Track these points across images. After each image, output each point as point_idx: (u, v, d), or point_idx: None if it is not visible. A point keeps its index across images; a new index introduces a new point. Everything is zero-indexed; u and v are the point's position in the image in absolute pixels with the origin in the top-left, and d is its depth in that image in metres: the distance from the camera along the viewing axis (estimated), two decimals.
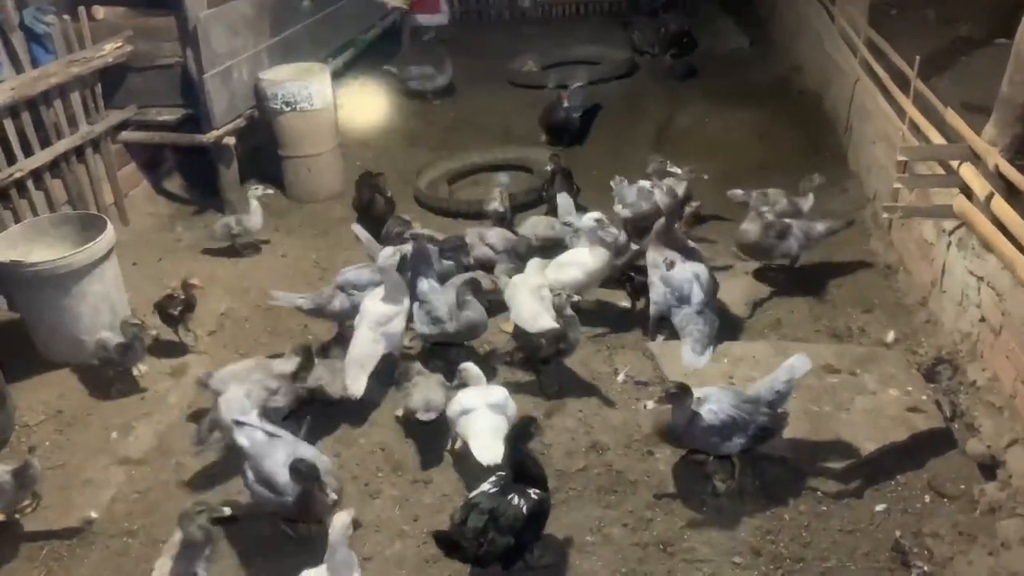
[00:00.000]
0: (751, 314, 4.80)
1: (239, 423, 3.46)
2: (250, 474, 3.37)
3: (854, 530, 3.41)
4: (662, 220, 4.59)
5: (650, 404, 3.50)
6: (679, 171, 5.62)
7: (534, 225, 5.36)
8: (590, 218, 4.65)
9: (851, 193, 6.03)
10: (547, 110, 7.42)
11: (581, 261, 4.66)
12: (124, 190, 6.22)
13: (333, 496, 3.28)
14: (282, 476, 3.27)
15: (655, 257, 4.52)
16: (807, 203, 5.32)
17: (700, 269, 4.39)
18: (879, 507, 3.49)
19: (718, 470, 3.66)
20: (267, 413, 3.72)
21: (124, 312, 4.84)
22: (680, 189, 5.50)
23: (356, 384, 4.05)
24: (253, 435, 3.42)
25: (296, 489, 3.24)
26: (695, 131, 7.53)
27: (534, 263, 4.77)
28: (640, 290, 4.74)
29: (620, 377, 4.32)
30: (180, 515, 3.06)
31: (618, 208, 5.51)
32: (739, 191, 5.33)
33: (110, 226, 4.67)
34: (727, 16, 10.41)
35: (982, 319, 3.88)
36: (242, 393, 3.71)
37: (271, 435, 3.43)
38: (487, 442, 3.50)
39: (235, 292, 5.38)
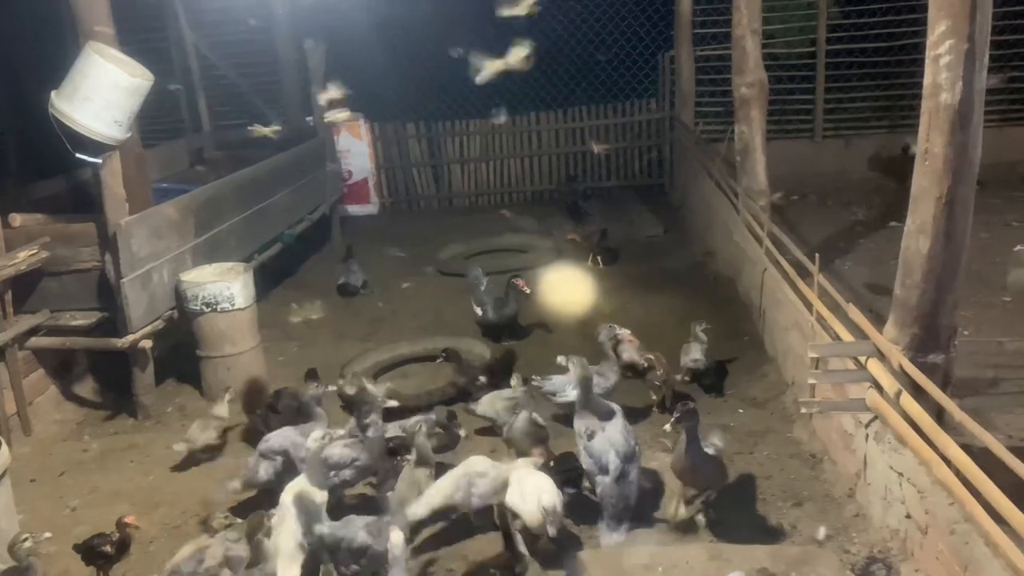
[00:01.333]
0: (681, 512, 4.68)
1: None
2: None
3: None
4: (580, 392, 4.67)
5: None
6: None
7: (491, 403, 5.32)
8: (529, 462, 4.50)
9: (771, 378, 6.15)
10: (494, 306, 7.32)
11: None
12: (29, 397, 5.93)
13: None
14: None
15: (579, 426, 4.56)
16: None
17: (617, 436, 4.40)
18: None
19: None
20: None
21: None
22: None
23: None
24: None
25: None
26: (619, 316, 7.66)
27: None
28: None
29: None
30: None
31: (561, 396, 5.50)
32: None
33: (5, 448, 4.38)
34: (642, 204, 11.05)
35: (908, 515, 3.86)
36: None
37: None
38: None
39: (143, 508, 5.01)
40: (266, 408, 5.62)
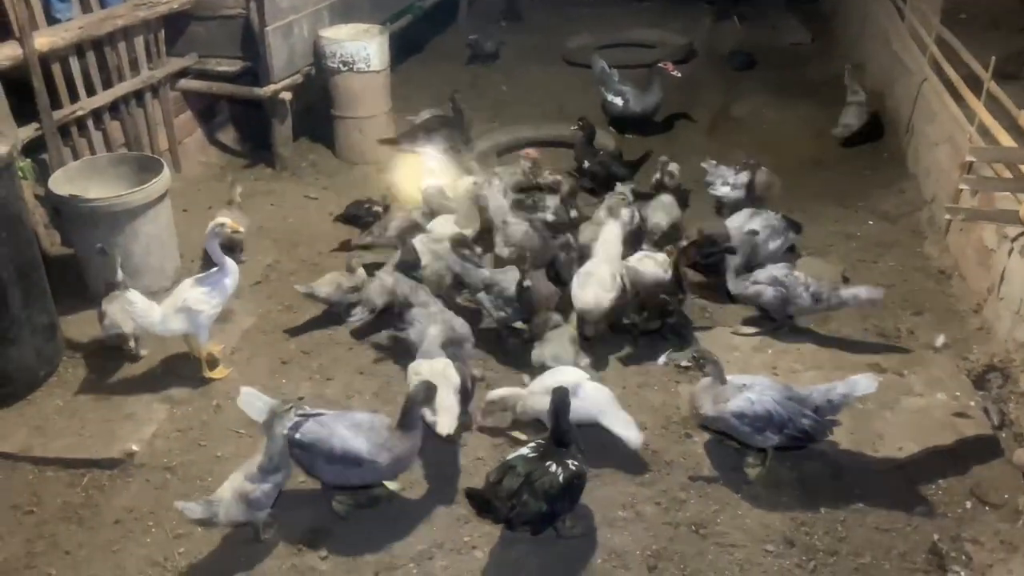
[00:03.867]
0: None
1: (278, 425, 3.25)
2: (320, 461, 3.27)
3: (891, 529, 3.36)
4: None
5: (672, 355, 3.80)
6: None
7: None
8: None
9: (908, 195, 5.90)
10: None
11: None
12: (179, 137, 6.29)
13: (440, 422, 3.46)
14: (357, 442, 3.22)
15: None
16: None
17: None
18: (918, 509, 3.44)
19: (749, 455, 3.64)
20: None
21: (174, 255, 4.93)
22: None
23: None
24: (302, 427, 3.27)
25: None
26: (749, 122, 7.43)
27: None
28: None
29: (661, 360, 4.27)
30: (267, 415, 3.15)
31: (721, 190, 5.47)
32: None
33: (166, 169, 4.73)
34: (789, 10, 10.24)
35: None
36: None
37: (314, 416, 3.32)
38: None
39: (282, 245, 5.42)
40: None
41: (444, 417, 3.47)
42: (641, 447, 3.62)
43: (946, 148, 5.38)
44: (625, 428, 3.61)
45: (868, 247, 5.35)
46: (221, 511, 3.12)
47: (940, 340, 4.33)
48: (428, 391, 3.33)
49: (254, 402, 3.32)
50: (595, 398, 3.65)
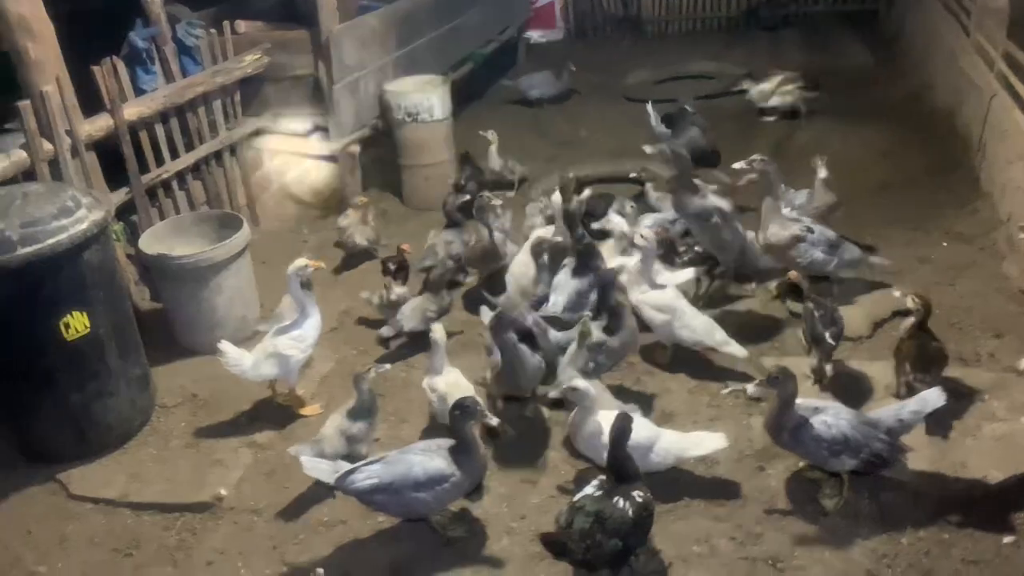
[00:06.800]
0: (872, 333, 4.66)
1: (341, 480, 3.40)
2: (408, 493, 3.35)
3: (978, 561, 3.25)
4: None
5: (751, 388, 3.58)
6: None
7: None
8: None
9: (982, 214, 5.75)
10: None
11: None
12: (256, 193, 6.61)
13: (494, 420, 3.46)
14: (436, 462, 3.37)
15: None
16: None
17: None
18: (1007, 539, 3.32)
19: (825, 486, 3.59)
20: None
21: (255, 305, 5.17)
22: None
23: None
24: (376, 473, 3.39)
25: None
26: (814, 148, 7.32)
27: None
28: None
29: (726, 390, 4.26)
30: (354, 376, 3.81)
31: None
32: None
33: (246, 225, 5.00)
34: (850, 32, 10.15)
35: None
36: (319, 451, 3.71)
37: (378, 461, 3.43)
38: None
39: (355, 293, 5.60)
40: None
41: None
42: (727, 443, 3.67)
43: (1020, 165, 5.25)
44: (707, 447, 3.68)
45: (943, 270, 5.22)
46: (327, 446, 3.71)
47: (1023, 363, 4.19)
48: (471, 403, 3.40)
49: (318, 465, 3.47)
50: (672, 445, 3.65)
